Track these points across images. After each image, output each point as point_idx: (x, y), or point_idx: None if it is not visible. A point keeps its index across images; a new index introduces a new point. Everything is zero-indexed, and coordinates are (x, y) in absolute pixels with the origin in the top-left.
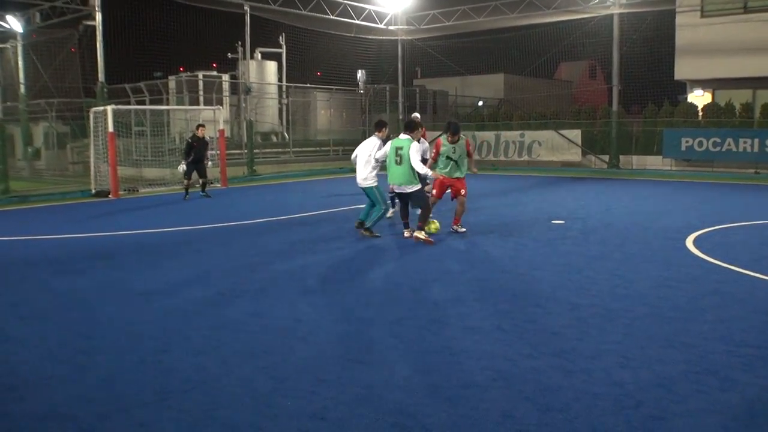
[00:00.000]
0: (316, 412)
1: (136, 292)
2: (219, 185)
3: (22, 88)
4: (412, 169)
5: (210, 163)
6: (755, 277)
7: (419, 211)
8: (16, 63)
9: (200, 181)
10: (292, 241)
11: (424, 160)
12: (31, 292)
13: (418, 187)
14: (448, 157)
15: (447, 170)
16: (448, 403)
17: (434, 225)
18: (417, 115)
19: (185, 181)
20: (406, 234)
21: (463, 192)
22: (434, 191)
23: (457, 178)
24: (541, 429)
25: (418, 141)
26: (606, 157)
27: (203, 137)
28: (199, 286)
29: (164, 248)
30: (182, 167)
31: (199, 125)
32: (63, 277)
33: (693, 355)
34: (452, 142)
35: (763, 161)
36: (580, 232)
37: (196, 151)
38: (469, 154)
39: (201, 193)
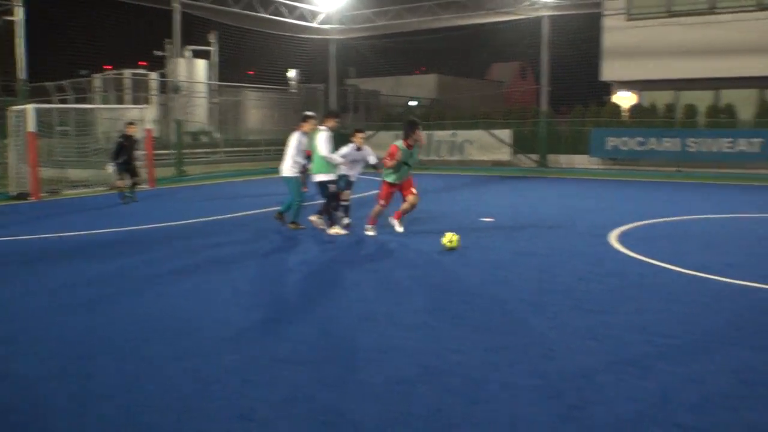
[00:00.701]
0: (243, 413)
1: (55, 295)
2: (146, 186)
3: None
4: (324, 158)
5: (139, 163)
6: (674, 270)
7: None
8: None
9: (131, 180)
10: (219, 243)
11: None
12: None
13: (330, 178)
14: (405, 163)
15: (398, 175)
16: (377, 400)
17: (452, 240)
18: (310, 113)
19: (118, 183)
20: (330, 231)
21: (414, 190)
22: (382, 201)
23: (407, 179)
24: (468, 422)
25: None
26: (535, 156)
27: (133, 135)
28: (122, 288)
29: (87, 251)
30: (111, 168)
31: (130, 123)
32: None
33: (613, 346)
34: (410, 147)
35: (684, 160)
36: (509, 229)
37: (127, 150)
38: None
39: (127, 193)
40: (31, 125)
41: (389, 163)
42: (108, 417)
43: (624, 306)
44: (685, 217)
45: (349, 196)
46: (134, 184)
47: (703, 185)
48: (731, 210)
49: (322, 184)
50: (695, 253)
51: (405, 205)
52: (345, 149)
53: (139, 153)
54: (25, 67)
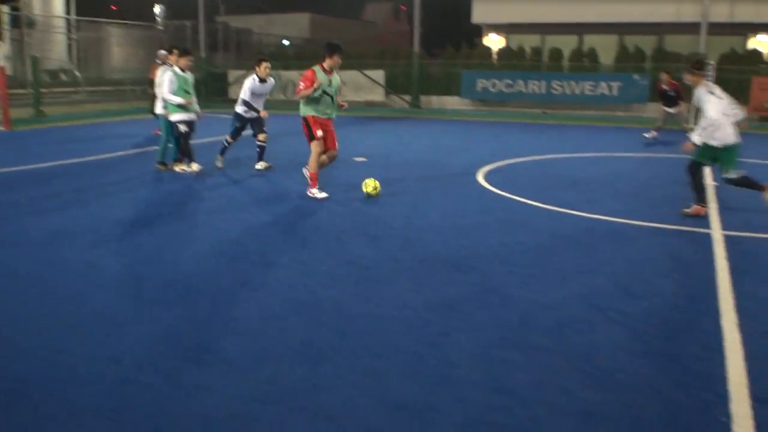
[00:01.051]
0: (113, 356)
1: None
2: (1, 128)
3: None
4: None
5: None
6: (536, 205)
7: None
8: None
9: None
10: (83, 187)
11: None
12: None
13: (182, 117)
14: (324, 92)
15: (322, 108)
16: (248, 336)
17: (376, 187)
18: (163, 51)
19: None
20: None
21: (336, 144)
22: (315, 143)
23: (331, 120)
24: (339, 353)
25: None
26: (408, 97)
27: None
28: None
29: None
30: None
31: None
32: None
33: (477, 277)
34: (328, 72)
35: (549, 102)
36: (381, 168)
37: None
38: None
39: None
40: None
41: (305, 90)
42: None
43: (488, 240)
44: (548, 156)
45: (266, 137)
46: None
47: (566, 126)
48: (592, 150)
49: (173, 124)
50: (554, 189)
51: (323, 158)
52: (248, 83)
53: None
54: None
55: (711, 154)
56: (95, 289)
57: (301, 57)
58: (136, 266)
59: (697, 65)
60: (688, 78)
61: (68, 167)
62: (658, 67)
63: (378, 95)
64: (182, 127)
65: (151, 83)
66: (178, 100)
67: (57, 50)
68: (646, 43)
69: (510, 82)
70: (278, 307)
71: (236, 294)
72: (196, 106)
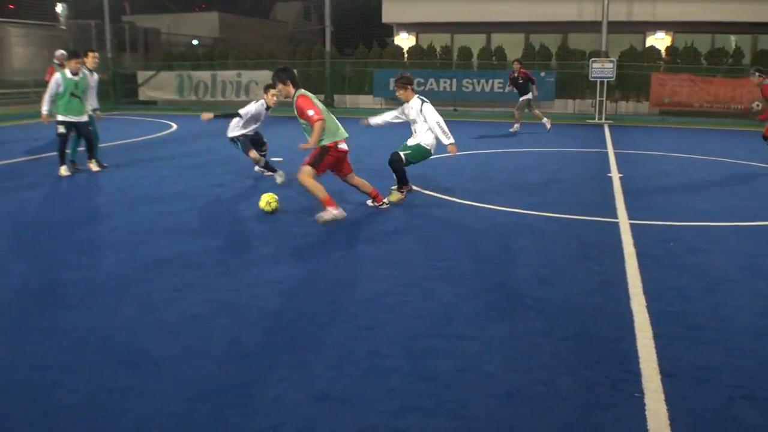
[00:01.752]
0: (36, 362)
1: None
2: None
3: None
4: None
5: None
6: (452, 200)
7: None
8: None
9: None
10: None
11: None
12: None
13: (63, 119)
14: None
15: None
16: (174, 336)
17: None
18: (61, 52)
19: None
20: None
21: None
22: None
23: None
24: (265, 349)
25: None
26: (321, 96)
27: None
28: None
29: None
30: None
31: None
32: None
33: (399, 272)
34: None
35: (461, 99)
36: (296, 166)
37: None
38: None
39: None
40: None
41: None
42: None
43: (408, 235)
44: (461, 153)
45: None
46: None
47: (477, 123)
48: (502, 146)
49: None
50: (469, 185)
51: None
52: (254, 107)
53: None
54: None
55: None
56: (9, 294)
57: (211, 57)
58: (53, 273)
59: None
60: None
61: None
62: (564, 65)
63: None
64: (60, 128)
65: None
66: (44, 109)
67: None
68: (551, 42)
69: (422, 80)
70: (202, 307)
71: (159, 296)
72: (87, 108)
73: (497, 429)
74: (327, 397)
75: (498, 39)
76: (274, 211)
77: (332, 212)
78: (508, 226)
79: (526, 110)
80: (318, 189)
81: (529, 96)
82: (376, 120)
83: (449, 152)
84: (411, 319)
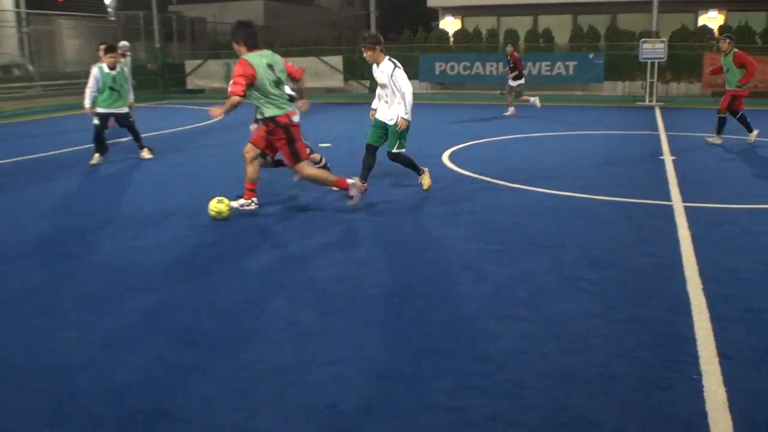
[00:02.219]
0: (100, 341)
1: None
2: None
3: None
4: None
5: None
6: (500, 184)
7: None
8: None
9: None
10: (45, 181)
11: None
12: None
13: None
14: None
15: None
16: (232, 318)
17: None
18: (124, 43)
19: None
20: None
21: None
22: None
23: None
24: (322, 329)
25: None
26: (367, 83)
27: None
28: None
29: None
30: None
31: None
32: None
33: (451, 254)
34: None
35: (506, 83)
36: (347, 153)
37: None
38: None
39: None
40: None
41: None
42: None
43: (459, 219)
44: (509, 137)
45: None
46: None
47: (524, 107)
48: (550, 129)
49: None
50: (517, 169)
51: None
52: None
53: None
54: None
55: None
56: (69, 279)
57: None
58: (109, 255)
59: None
60: None
61: (25, 163)
62: (613, 46)
63: (337, 81)
64: (95, 120)
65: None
66: (86, 102)
67: (7, 44)
68: (600, 23)
69: (467, 64)
70: (260, 290)
71: (217, 279)
72: (125, 101)
73: (553, 409)
74: (383, 377)
75: (545, 21)
76: (219, 214)
77: (353, 189)
78: (559, 209)
79: (512, 95)
80: (323, 174)
81: (522, 81)
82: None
83: (399, 124)
84: (464, 301)
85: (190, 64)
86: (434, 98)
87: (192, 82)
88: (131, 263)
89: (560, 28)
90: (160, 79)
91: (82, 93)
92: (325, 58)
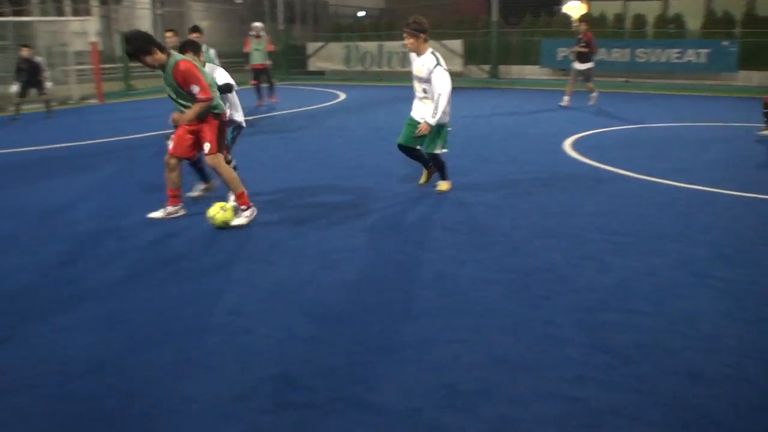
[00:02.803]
0: (231, 309)
1: (31, 209)
2: (95, 101)
3: None
4: None
5: (49, 84)
6: (625, 174)
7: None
8: None
9: (42, 98)
10: None
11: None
12: None
13: None
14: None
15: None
16: (354, 293)
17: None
18: (259, 24)
19: (15, 101)
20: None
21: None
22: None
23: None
24: (442, 310)
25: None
26: (487, 67)
27: (30, 58)
28: (92, 204)
29: (45, 166)
30: (14, 88)
31: (22, 45)
32: None
33: (573, 244)
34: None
35: (633, 70)
36: (466, 138)
37: (25, 72)
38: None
39: (14, 115)
40: None
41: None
42: (96, 318)
43: (580, 208)
44: (634, 126)
45: None
46: (46, 103)
47: (651, 95)
48: (679, 119)
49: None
50: (644, 159)
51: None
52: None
53: (45, 74)
54: None
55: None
56: (207, 248)
57: (377, 28)
58: (244, 229)
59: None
60: None
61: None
62: (749, 33)
63: (456, 65)
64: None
65: (247, 57)
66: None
67: (142, 25)
68: (736, 7)
69: None
70: (380, 268)
71: (337, 255)
72: None
73: (678, 407)
74: (503, 361)
75: (676, 5)
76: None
77: (249, 212)
78: (688, 202)
79: (576, 81)
80: (234, 179)
81: (591, 65)
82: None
83: (419, 128)
84: (586, 292)
85: (311, 47)
86: (555, 84)
87: (313, 64)
88: (259, 237)
89: (692, 13)
90: (282, 61)
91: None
92: (445, 42)
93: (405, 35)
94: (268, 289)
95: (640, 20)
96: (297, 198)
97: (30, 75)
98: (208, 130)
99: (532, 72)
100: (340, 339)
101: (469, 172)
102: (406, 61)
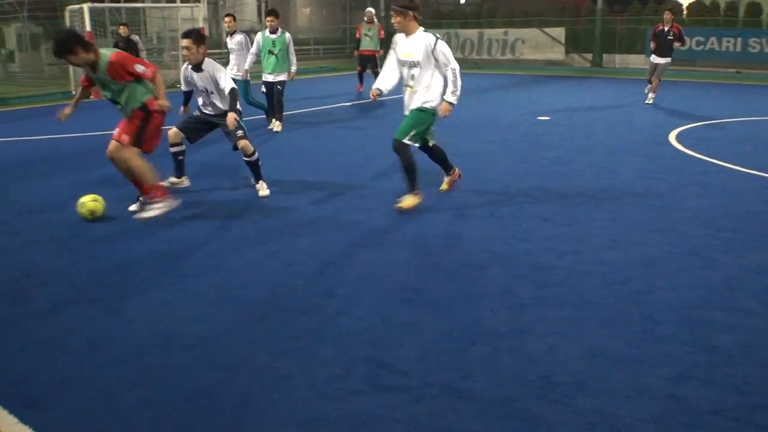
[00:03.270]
0: (326, 291)
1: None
2: None
3: None
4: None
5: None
6: (734, 169)
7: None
8: None
9: None
10: (295, 137)
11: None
12: (31, 190)
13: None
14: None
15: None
16: (449, 281)
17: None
18: (371, 9)
19: None
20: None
21: (125, 136)
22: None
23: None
24: (538, 302)
25: None
26: (589, 56)
27: (127, 36)
28: (207, 181)
29: None
30: None
31: (121, 24)
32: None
33: (676, 239)
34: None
35: (745, 61)
36: (566, 127)
37: (121, 49)
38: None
39: None
40: (87, 24)
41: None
42: (203, 291)
43: (685, 202)
44: (745, 119)
45: None
46: None
47: (764, 87)
48: None
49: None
50: (755, 153)
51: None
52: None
53: (142, 53)
54: None
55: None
56: (303, 230)
57: (478, 15)
58: (346, 215)
59: None
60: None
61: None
62: None
63: (558, 54)
64: (263, 87)
65: (357, 43)
66: (245, 65)
67: (248, 12)
68: None
69: (701, 39)
70: (476, 256)
71: (436, 242)
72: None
73: None
74: (599, 355)
75: None
76: (85, 205)
77: (164, 203)
78: None
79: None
80: (145, 173)
81: (669, 60)
82: (384, 85)
83: (441, 111)
84: (689, 289)
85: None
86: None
87: None
88: (352, 222)
89: None
90: (383, 47)
91: (311, 59)
92: (546, 30)
93: (393, 14)
94: (362, 274)
95: (754, 8)
96: (393, 184)
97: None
98: (131, 123)
99: (636, 61)
100: (433, 325)
101: (568, 163)
102: (506, 49)
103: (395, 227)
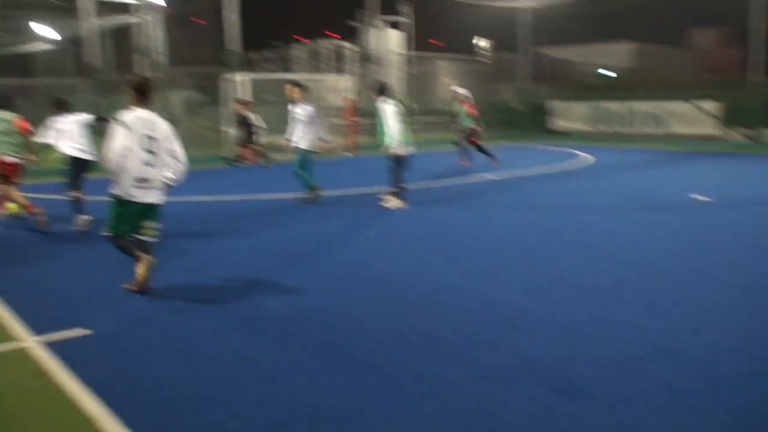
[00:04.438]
0: (478, 376)
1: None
2: (349, 153)
3: (161, 58)
4: None
5: (257, 137)
6: None
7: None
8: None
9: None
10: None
11: None
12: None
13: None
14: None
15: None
16: (608, 371)
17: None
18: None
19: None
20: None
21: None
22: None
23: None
24: (708, 402)
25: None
26: (749, 131)
27: (239, 113)
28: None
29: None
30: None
31: (236, 100)
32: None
33: None
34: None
35: None
36: (729, 208)
37: (238, 125)
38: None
39: (233, 162)
40: (249, 94)
41: None
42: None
43: None
44: None
45: None
46: (260, 155)
47: None
48: None
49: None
50: None
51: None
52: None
53: (258, 128)
54: (240, 38)
55: None
56: (452, 307)
57: (624, 86)
58: (491, 292)
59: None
60: None
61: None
62: None
63: (710, 128)
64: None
65: (453, 116)
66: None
67: (393, 83)
68: None
69: None
70: (638, 349)
71: (590, 330)
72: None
73: None
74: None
75: None
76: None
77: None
78: None
79: None
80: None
81: None
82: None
83: None
84: None
85: (554, 105)
86: None
87: (556, 123)
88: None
89: None
90: (524, 120)
91: (446, 129)
92: (697, 102)
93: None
94: (511, 361)
95: None
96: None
97: (243, 127)
98: None
99: None
100: (590, 418)
101: (733, 248)
102: (656, 122)
103: (549, 312)
